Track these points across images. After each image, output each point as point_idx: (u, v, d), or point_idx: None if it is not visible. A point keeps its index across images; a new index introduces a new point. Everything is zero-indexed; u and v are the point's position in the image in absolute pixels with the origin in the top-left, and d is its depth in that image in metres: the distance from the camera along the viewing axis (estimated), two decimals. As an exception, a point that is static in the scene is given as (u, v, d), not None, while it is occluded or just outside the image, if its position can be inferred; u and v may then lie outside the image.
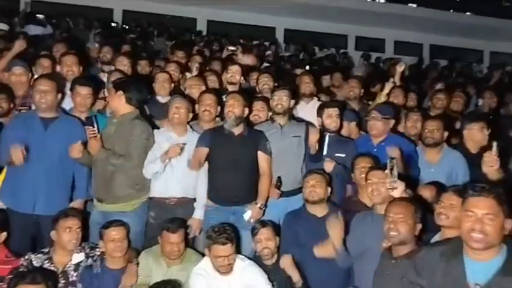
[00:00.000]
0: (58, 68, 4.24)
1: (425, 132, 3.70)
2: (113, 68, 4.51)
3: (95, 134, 3.21)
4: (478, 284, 1.92)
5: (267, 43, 10.18)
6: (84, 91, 3.61)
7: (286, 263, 3.09)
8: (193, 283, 2.94)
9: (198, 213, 3.42)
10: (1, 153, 3.27)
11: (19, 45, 4.27)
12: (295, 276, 3.06)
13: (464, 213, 1.98)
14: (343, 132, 3.96)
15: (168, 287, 2.86)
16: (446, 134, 3.73)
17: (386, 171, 2.69)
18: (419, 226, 2.55)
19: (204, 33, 11.26)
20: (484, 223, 1.92)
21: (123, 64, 4.44)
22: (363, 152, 3.50)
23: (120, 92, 3.32)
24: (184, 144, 3.33)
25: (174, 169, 3.38)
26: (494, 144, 2.72)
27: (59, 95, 3.43)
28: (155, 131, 3.48)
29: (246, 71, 4.74)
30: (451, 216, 2.54)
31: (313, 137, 3.53)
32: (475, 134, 3.73)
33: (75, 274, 2.99)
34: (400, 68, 4.72)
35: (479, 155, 3.43)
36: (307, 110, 4.14)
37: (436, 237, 2.67)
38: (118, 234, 3.00)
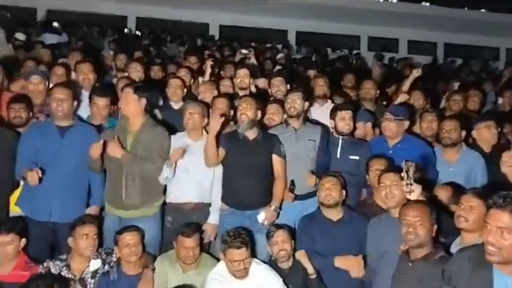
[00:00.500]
0: (73, 76, 4.30)
1: (443, 132, 3.65)
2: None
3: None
4: None
5: (279, 46, 10.18)
6: (101, 102, 3.67)
7: (301, 255, 3.13)
8: (209, 288, 2.94)
9: (213, 218, 3.43)
10: (18, 167, 3.30)
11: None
12: (310, 268, 3.09)
13: (484, 224, 1.91)
14: (359, 132, 3.92)
15: (183, 291, 2.87)
16: (464, 133, 3.68)
17: (402, 173, 2.66)
18: (435, 227, 2.52)
19: (217, 38, 11.31)
20: (499, 237, 1.83)
21: (137, 70, 4.47)
22: (377, 154, 3.47)
23: (144, 100, 3.31)
24: (187, 146, 3.33)
25: (190, 174, 3.38)
26: (513, 143, 2.68)
27: (75, 103, 3.47)
28: (171, 136, 3.48)
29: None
30: (471, 219, 2.49)
31: (311, 181, 3.43)
32: (482, 134, 3.75)
33: (93, 281, 3.01)
34: (417, 73, 4.65)
35: (493, 154, 3.43)
36: (320, 112, 4.12)
37: (457, 241, 2.63)
38: (132, 239, 3.02)
